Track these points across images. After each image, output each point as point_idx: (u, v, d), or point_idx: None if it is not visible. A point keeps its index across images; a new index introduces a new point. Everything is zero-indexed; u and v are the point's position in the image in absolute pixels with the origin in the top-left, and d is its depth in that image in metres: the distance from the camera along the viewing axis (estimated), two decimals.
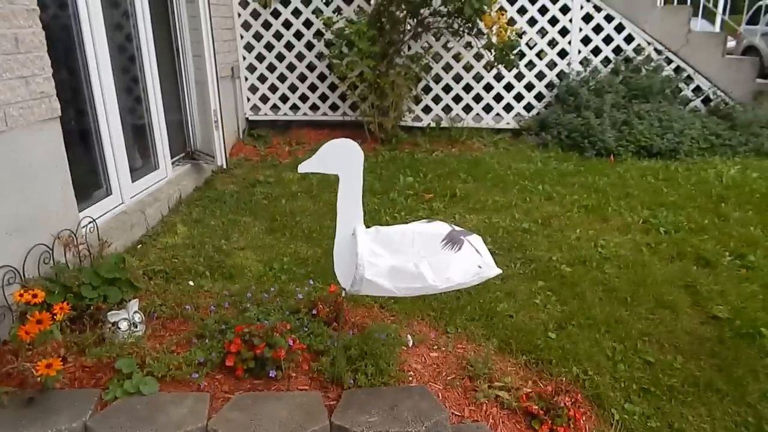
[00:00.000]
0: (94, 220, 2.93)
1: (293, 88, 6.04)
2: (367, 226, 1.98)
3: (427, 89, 5.99)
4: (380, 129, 5.55)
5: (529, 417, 2.04)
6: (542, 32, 5.82)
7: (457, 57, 5.88)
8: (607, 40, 5.83)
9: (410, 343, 2.37)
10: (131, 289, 2.49)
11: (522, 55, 5.76)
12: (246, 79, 6.02)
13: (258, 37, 5.88)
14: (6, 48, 2.36)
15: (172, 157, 4.22)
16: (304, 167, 1.92)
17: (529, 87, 5.95)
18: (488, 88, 5.94)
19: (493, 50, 5.23)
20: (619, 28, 5.77)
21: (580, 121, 5.37)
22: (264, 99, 6.11)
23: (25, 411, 1.88)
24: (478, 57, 5.79)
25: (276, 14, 5.78)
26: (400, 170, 4.81)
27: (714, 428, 2.08)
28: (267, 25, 5.83)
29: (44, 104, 2.58)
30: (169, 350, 2.21)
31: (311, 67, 5.97)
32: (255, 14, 5.79)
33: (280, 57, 5.93)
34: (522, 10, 5.73)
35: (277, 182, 4.57)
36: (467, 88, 5.96)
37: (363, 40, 5.00)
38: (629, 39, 5.81)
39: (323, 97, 6.05)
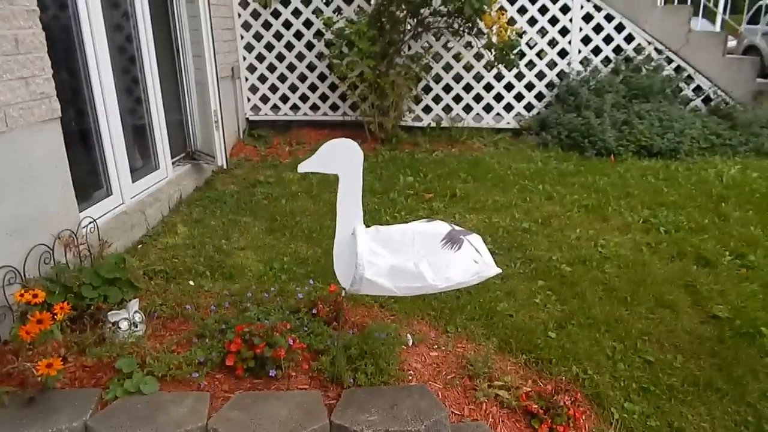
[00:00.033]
0: (94, 221, 2.93)
1: (293, 88, 6.04)
2: (367, 226, 1.98)
3: (427, 89, 5.99)
4: (380, 129, 5.55)
5: (528, 416, 2.04)
6: (542, 32, 5.82)
7: (457, 57, 5.88)
8: (608, 39, 5.83)
9: (410, 343, 2.37)
10: (131, 289, 2.50)
11: (522, 54, 5.76)
12: (246, 79, 6.02)
13: (258, 37, 5.88)
14: (6, 49, 2.36)
15: (172, 158, 4.23)
16: (303, 167, 1.92)
17: (530, 87, 5.95)
18: (488, 87, 5.94)
19: (493, 50, 5.24)
20: (620, 28, 5.78)
21: (580, 121, 5.37)
22: (264, 99, 6.11)
23: (26, 410, 1.88)
24: (479, 57, 5.79)
25: (276, 14, 5.79)
26: (401, 170, 4.81)
27: (714, 427, 2.08)
28: (267, 25, 5.83)
29: (44, 105, 2.58)
30: (169, 350, 2.21)
31: (311, 67, 5.97)
32: (255, 14, 5.80)
33: (281, 57, 5.94)
34: (522, 10, 5.73)
35: (277, 182, 4.57)
36: (467, 88, 5.97)
37: (363, 40, 5.01)
38: (629, 39, 5.81)
39: (323, 97, 6.06)
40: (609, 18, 5.75)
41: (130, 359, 2.11)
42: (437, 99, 6.02)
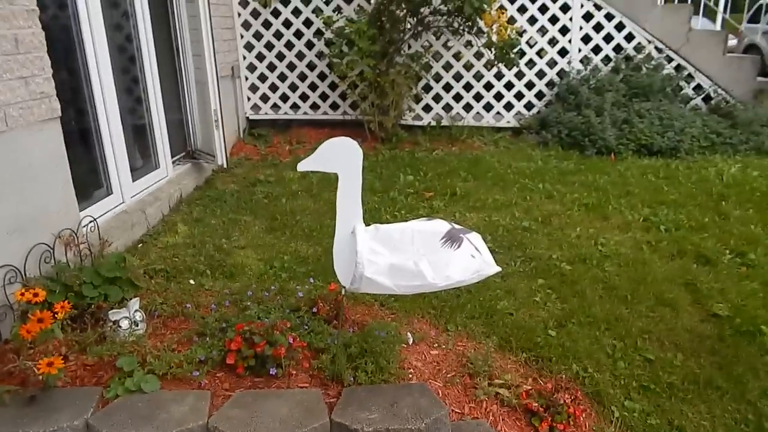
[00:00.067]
0: (94, 220, 2.93)
1: (293, 88, 6.04)
2: (367, 225, 1.98)
3: (427, 88, 5.99)
4: (380, 128, 5.55)
5: (529, 414, 2.05)
6: (542, 31, 5.82)
7: (457, 56, 5.87)
8: (608, 38, 5.83)
9: (410, 341, 2.37)
10: (132, 287, 2.50)
11: (522, 53, 5.75)
12: (246, 78, 6.02)
13: (258, 36, 5.88)
14: (6, 48, 2.36)
15: (172, 157, 4.23)
16: (303, 166, 1.92)
17: (530, 85, 5.95)
18: (488, 86, 5.94)
19: (493, 49, 5.23)
20: (620, 27, 5.77)
21: (580, 120, 5.36)
22: (264, 98, 6.11)
23: (27, 409, 1.88)
24: (479, 56, 5.78)
25: (276, 13, 5.79)
26: (401, 169, 4.81)
27: (714, 425, 2.08)
28: (267, 25, 5.83)
29: (44, 104, 2.59)
30: (170, 348, 2.22)
31: (311, 66, 5.97)
32: (255, 14, 5.80)
33: (281, 56, 5.93)
34: (522, 9, 5.73)
35: (277, 181, 4.57)
36: (467, 87, 5.96)
37: (363, 39, 5.00)
38: (630, 37, 5.81)
39: (323, 96, 6.06)
40: (609, 17, 5.74)
41: (131, 358, 2.12)
42: (437, 98, 6.02)
